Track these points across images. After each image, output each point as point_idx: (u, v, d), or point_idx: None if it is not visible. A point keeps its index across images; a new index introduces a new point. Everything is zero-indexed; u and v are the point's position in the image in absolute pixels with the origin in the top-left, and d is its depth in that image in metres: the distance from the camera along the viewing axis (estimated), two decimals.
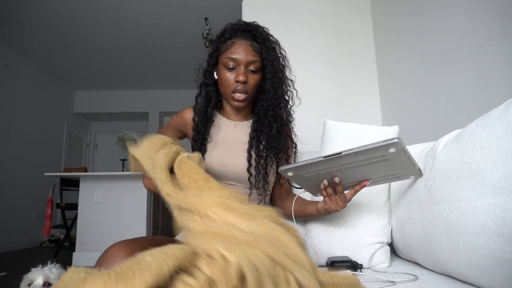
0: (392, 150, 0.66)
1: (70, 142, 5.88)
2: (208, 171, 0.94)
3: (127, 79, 5.71)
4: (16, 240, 4.33)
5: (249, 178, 0.97)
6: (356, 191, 0.81)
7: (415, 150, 0.98)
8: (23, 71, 4.69)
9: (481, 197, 0.60)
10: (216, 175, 0.97)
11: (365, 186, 0.79)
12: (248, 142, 1.01)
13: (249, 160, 0.97)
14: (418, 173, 0.79)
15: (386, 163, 0.70)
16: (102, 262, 0.67)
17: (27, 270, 1.14)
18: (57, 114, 5.52)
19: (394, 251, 1.11)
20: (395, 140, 0.63)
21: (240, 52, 0.94)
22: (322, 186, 0.81)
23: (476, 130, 0.65)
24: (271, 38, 1.01)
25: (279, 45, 1.03)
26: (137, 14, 3.78)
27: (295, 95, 1.07)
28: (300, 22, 2.25)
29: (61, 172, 3.54)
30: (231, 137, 1.03)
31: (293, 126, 1.11)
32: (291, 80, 1.06)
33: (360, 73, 2.18)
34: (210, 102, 1.03)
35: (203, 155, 0.97)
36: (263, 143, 1.00)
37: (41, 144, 5.01)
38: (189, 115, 1.07)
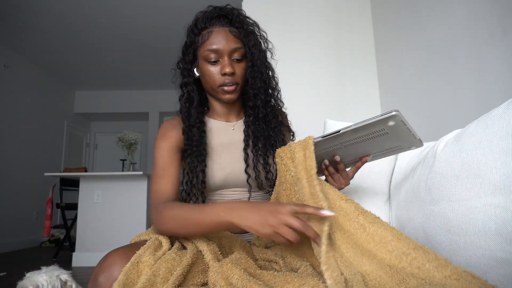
0: (391, 123, 0.65)
1: (70, 142, 5.87)
2: (210, 182, 0.88)
3: (127, 79, 5.71)
4: (16, 240, 4.32)
5: (247, 180, 0.88)
6: (358, 168, 0.80)
7: (415, 150, 0.98)
8: (23, 71, 4.69)
9: (481, 197, 0.59)
10: (217, 184, 0.88)
11: (366, 162, 0.78)
12: (244, 140, 0.91)
13: (246, 160, 0.88)
14: (419, 144, 0.76)
15: (386, 136, 0.69)
16: (101, 269, 0.64)
17: (27, 270, 1.14)
18: (57, 114, 5.51)
19: None
20: (394, 113, 0.62)
21: (220, 41, 0.84)
22: (323, 166, 0.80)
23: (476, 130, 0.65)
24: (249, 20, 0.91)
25: (258, 26, 0.93)
26: (137, 14, 3.78)
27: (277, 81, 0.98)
28: (300, 22, 2.25)
29: (61, 172, 3.55)
30: (229, 140, 0.93)
31: (286, 109, 1.01)
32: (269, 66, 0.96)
33: (360, 73, 2.18)
34: (193, 103, 0.90)
35: (204, 160, 0.86)
36: (262, 140, 0.91)
37: (41, 144, 5.01)
38: (174, 123, 0.93)
